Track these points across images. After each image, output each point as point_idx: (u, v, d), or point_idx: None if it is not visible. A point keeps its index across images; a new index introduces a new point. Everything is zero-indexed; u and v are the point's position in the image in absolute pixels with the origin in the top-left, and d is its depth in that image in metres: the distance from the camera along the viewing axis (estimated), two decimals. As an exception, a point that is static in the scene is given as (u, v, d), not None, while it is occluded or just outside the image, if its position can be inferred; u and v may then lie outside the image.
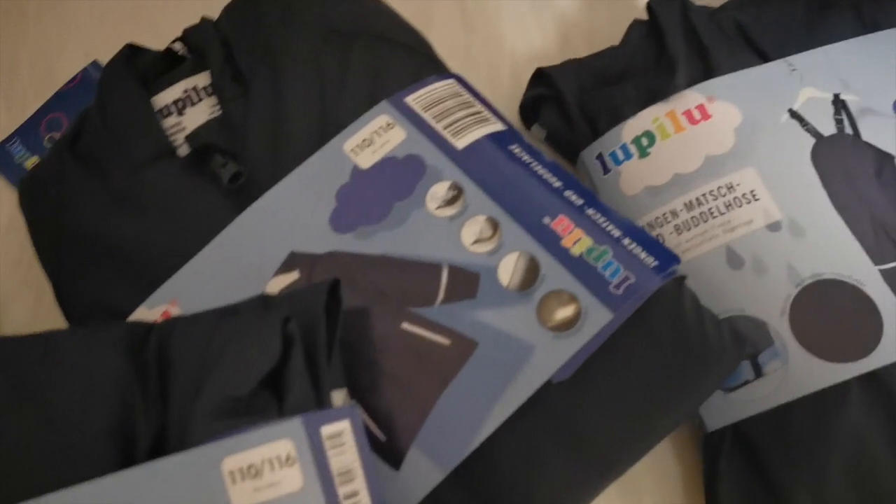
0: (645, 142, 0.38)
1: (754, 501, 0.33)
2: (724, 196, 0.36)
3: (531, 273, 0.31)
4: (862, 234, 0.34)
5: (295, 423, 0.25)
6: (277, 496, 0.24)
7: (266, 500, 0.24)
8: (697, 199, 0.36)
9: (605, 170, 0.39)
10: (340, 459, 0.26)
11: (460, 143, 0.34)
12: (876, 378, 0.32)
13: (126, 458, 0.26)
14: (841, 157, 0.36)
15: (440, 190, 0.32)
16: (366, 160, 0.34)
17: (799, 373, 0.33)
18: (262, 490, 0.24)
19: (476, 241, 0.31)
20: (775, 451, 0.33)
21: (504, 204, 0.32)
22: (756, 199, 0.36)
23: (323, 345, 0.28)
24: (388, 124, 0.34)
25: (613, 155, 0.39)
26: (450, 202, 0.32)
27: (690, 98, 0.38)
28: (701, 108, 0.37)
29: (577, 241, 0.31)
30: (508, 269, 0.31)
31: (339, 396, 0.29)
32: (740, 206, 0.36)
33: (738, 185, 0.36)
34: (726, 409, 0.34)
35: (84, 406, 0.26)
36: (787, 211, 0.35)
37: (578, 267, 0.31)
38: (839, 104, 0.37)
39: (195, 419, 0.26)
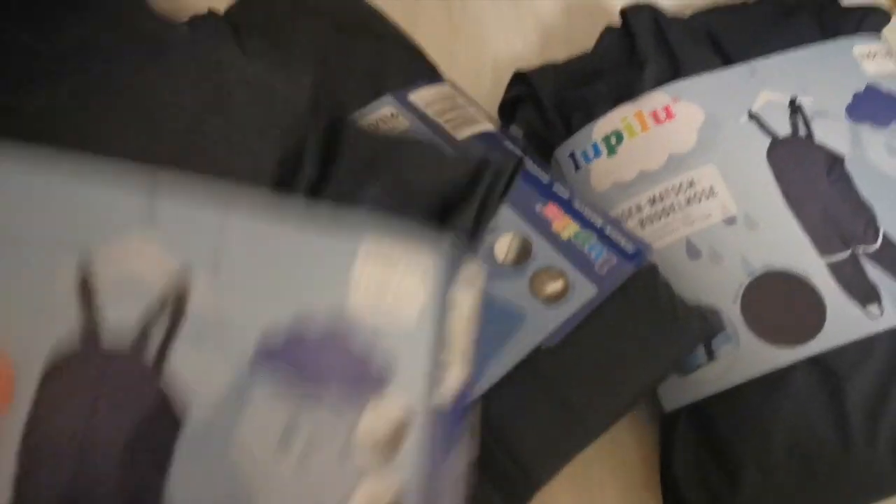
0: (613, 140, 0.40)
1: (706, 474, 0.36)
2: (684, 192, 0.39)
3: (524, 252, 0.34)
4: (811, 229, 0.37)
5: (442, 240, 0.25)
6: (393, 306, 0.23)
7: (382, 305, 0.23)
8: (660, 194, 0.39)
9: (577, 167, 0.41)
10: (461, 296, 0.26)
11: (459, 135, 0.37)
12: (819, 362, 0.35)
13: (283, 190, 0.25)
14: (794, 156, 0.38)
15: None
16: None
17: (748, 356, 0.36)
18: (383, 294, 0.23)
19: None
20: (726, 428, 0.36)
21: None
22: (714, 195, 0.38)
23: (493, 208, 0.29)
24: (393, 114, 0.37)
25: (584, 153, 0.41)
26: None
27: (657, 98, 0.40)
28: (666, 108, 0.40)
29: (565, 226, 0.35)
30: (504, 247, 0.34)
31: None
32: (699, 202, 0.38)
33: (698, 181, 0.39)
34: (682, 390, 0.37)
35: (267, 122, 0.26)
36: (743, 206, 0.38)
37: (567, 249, 0.35)
38: (795, 107, 0.39)
39: (354, 197, 0.26)
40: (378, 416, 0.22)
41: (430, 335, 0.24)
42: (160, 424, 0.21)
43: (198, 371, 0.21)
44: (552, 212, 0.35)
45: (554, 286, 0.34)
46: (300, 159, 0.26)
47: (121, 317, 0.20)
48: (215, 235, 0.21)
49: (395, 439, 0.22)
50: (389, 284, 0.23)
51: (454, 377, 0.24)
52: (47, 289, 0.20)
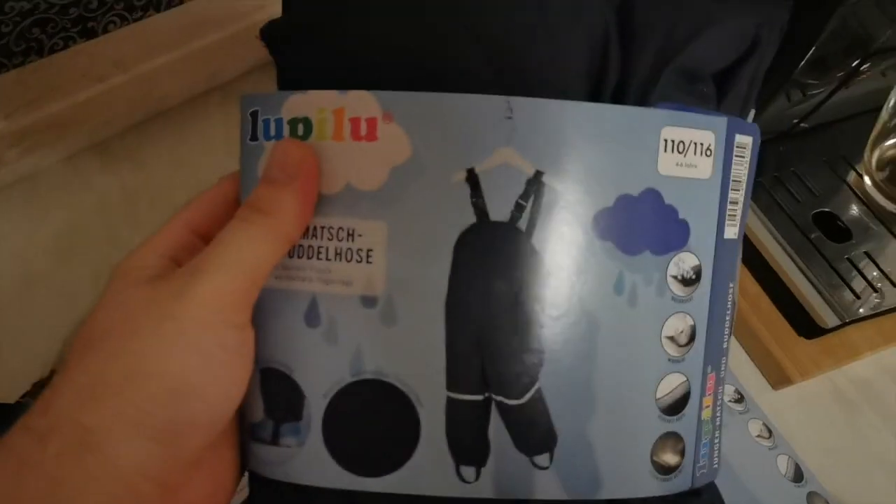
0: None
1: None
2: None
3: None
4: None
5: (722, 121, 0.30)
6: (690, 177, 0.30)
7: (681, 176, 0.29)
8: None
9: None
10: (738, 169, 0.31)
11: None
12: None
13: (592, 93, 0.30)
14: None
15: None
16: None
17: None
18: (682, 167, 0.29)
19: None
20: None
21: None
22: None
23: (764, 64, 0.33)
24: None
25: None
26: None
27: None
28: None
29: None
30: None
31: (750, 117, 0.34)
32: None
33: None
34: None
35: (575, 17, 0.30)
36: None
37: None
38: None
39: (657, 82, 0.30)
40: (681, 262, 0.30)
41: (718, 196, 0.31)
42: (535, 273, 0.29)
43: (556, 238, 0.29)
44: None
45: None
46: (606, 52, 0.30)
47: (500, 199, 0.28)
48: (557, 140, 0.28)
49: (693, 279, 0.31)
50: (686, 157, 0.29)
51: (734, 228, 0.32)
52: (448, 187, 0.28)
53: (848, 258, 0.68)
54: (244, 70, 0.75)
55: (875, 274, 0.67)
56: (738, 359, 0.67)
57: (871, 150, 0.71)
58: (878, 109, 0.69)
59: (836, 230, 0.70)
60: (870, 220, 0.70)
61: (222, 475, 0.31)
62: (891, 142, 0.71)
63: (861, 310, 0.65)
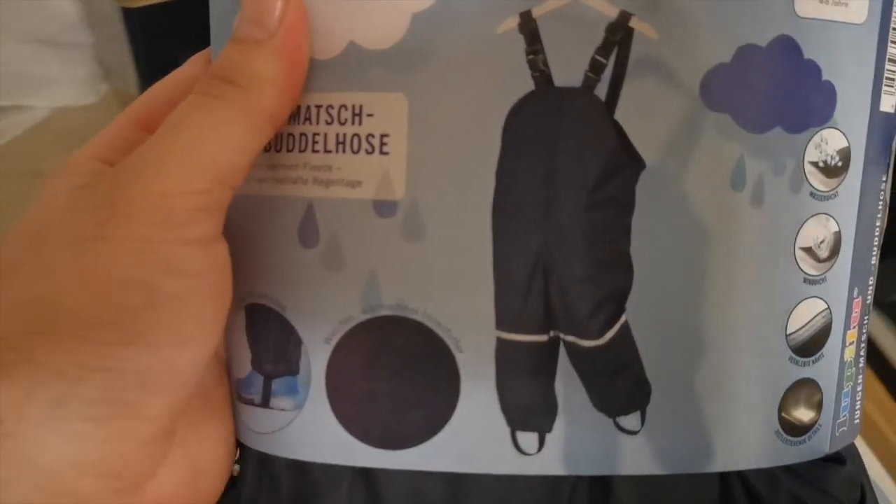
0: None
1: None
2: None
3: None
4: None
5: None
6: (838, 20, 0.22)
7: (826, 19, 0.22)
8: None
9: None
10: None
11: None
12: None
13: None
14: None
15: None
16: None
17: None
18: (828, 5, 0.21)
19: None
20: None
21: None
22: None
23: None
24: None
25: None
26: None
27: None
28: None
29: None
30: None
31: None
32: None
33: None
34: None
35: None
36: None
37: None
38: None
39: None
40: (824, 143, 0.22)
41: (875, 50, 0.22)
42: (621, 162, 0.20)
43: (647, 111, 0.20)
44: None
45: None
46: None
47: (569, 55, 0.20)
48: None
49: (839, 167, 0.22)
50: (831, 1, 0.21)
51: (892, 98, 0.23)
52: (493, 40, 0.20)
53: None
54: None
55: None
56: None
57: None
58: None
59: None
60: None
61: (207, 457, 0.23)
62: None
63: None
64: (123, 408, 0.18)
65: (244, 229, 0.22)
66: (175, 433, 0.21)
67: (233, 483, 0.24)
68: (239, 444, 0.24)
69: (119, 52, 0.65)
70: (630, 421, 0.21)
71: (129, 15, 0.62)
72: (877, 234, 0.24)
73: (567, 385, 0.21)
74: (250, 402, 0.23)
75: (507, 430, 0.21)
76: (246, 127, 0.20)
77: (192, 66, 0.25)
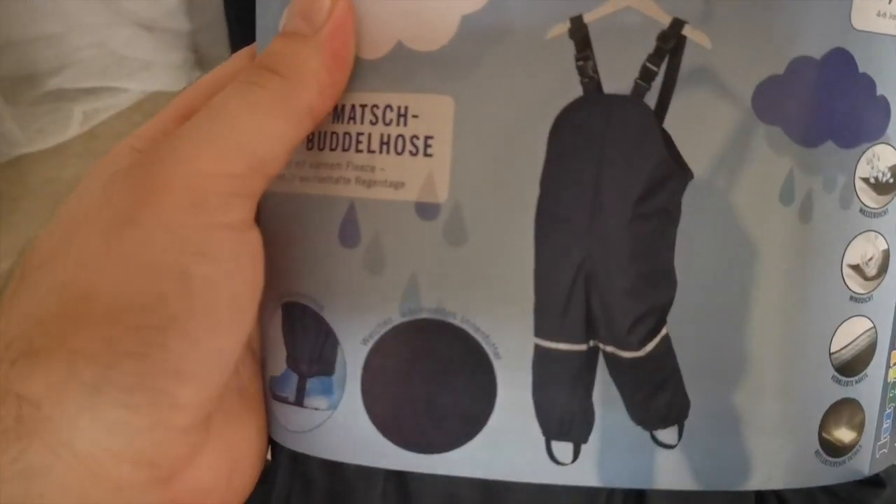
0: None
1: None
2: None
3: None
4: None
5: None
6: (893, 34, 0.21)
7: (883, 33, 0.21)
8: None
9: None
10: None
11: None
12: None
13: None
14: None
15: None
16: None
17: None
18: (885, 18, 0.21)
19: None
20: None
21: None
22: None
23: None
24: None
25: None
26: None
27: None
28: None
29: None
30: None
31: None
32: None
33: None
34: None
35: None
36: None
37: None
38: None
39: None
40: (876, 158, 0.21)
41: None
42: (669, 172, 0.20)
43: (697, 121, 0.20)
44: None
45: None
46: None
47: (619, 62, 0.20)
48: None
49: (890, 184, 0.21)
50: (892, 3, 0.21)
51: None
52: (542, 45, 0.20)
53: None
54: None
55: None
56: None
57: None
58: None
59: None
60: None
61: (242, 452, 0.23)
62: None
63: None
64: (158, 395, 0.18)
65: (285, 227, 0.22)
66: (211, 425, 0.21)
67: (262, 480, 0.24)
68: (271, 442, 0.24)
69: (214, 41, 0.65)
70: (667, 435, 0.21)
71: (232, 2, 0.62)
72: None
73: (605, 396, 0.21)
74: (284, 401, 0.23)
75: (542, 439, 0.21)
76: (284, 116, 0.20)
77: (236, 61, 0.25)
